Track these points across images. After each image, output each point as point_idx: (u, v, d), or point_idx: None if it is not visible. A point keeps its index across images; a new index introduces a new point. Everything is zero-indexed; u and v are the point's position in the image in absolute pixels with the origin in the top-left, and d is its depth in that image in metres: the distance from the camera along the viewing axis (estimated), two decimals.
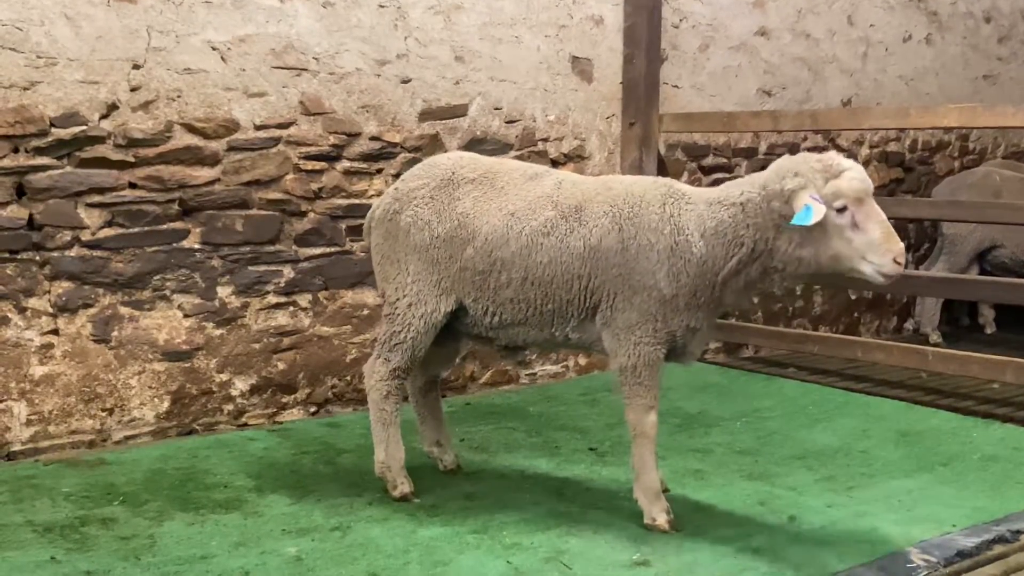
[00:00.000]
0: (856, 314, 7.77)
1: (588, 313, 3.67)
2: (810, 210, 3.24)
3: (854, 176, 3.30)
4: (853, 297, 7.70)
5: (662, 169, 6.36)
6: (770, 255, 3.45)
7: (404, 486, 3.88)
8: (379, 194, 4.77)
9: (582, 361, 6.25)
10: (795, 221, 3.27)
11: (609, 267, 3.59)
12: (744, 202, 3.47)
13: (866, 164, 7.63)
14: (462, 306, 3.80)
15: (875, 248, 3.26)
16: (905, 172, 7.97)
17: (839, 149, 7.43)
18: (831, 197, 3.27)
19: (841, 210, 3.28)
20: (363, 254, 4.95)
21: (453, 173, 3.82)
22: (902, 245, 3.28)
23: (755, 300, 4.20)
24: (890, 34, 7.79)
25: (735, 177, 6.79)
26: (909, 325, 8.14)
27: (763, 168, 6.67)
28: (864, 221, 3.28)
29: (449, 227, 3.74)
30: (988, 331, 7.71)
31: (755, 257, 3.48)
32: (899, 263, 3.25)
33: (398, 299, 3.80)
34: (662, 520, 3.62)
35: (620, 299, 3.59)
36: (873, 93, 7.69)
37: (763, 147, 7.02)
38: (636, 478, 3.69)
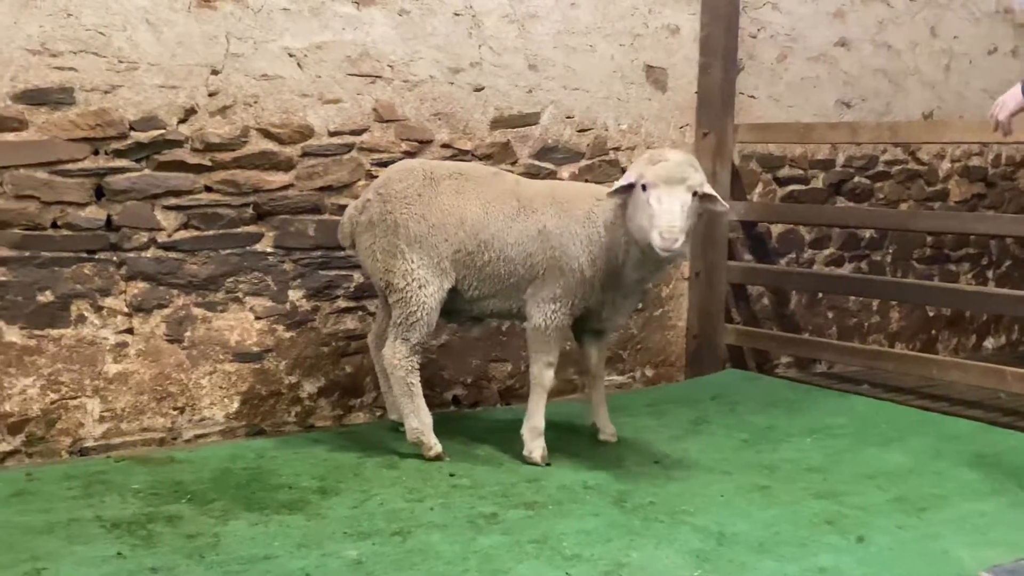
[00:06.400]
0: (934, 331, 7.59)
1: (528, 285, 4.39)
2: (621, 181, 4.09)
3: (662, 165, 3.96)
4: (931, 314, 7.52)
5: (736, 180, 6.29)
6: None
7: (438, 447, 4.43)
8: None
9: (649, 372, 6.20)
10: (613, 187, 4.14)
11: (548, 247, 4.32)
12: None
13: (947, 179, 7.47)
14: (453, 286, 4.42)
15: (653, 221, 3.90)
16: (987, 187, 7.76)
17: (919, 162, 7.30)
18: (641, 178, 3.98)
19: (644, 188, 3.95)
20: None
21: (431, 173, 4.43)
22: (675, 224, 3.84)
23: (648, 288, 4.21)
24: (975, 46, 7.61)
25: (811, 189, 6.74)
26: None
27: (840, 182, 6.62)
28: (656, 201, 3.91)
29: (440, 217, 4.34)
30: None
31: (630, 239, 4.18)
32: (664, 237, 3.84)
33: (407, 284, 4.32)
34: (537, 455, 4.40)
35: (549, 275, 4.34)
36: (955, 106, 7.51)
37: (840, 159, 6.90)
38: (527, 419, 4.47)
